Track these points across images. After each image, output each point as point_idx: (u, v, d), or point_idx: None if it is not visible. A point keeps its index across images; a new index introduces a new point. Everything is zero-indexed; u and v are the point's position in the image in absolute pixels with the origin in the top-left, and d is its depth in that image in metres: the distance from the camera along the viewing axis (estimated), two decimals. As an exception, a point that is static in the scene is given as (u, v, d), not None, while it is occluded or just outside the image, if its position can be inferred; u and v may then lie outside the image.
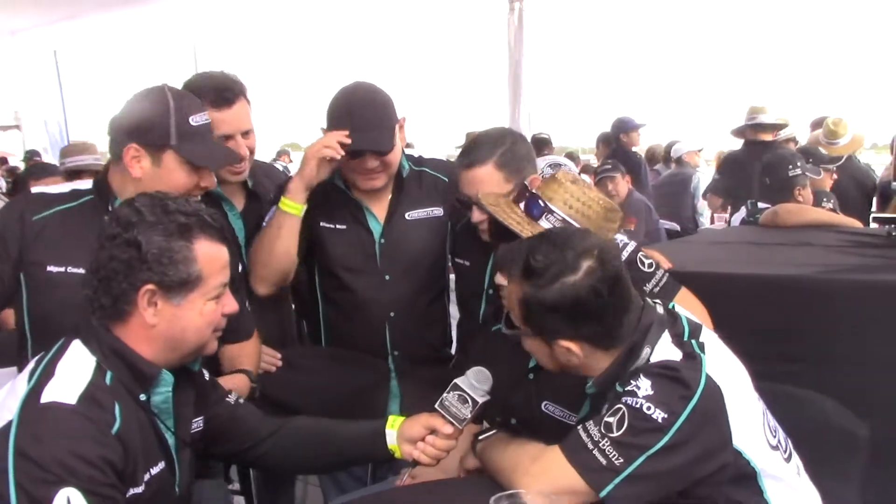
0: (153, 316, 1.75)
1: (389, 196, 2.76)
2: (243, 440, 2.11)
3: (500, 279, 2.18)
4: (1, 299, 2.30)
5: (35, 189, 2.49)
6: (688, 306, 2.33)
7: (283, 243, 2.62)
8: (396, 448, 2.06)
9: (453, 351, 2.98)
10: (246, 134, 2.66)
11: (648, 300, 1.95)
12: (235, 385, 2.35)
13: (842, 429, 2.22)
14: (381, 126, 2.59)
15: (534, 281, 1.80)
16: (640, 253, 2.42)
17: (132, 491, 1.72)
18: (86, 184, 2.37)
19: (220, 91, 2.57)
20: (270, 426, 2.14)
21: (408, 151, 2.87)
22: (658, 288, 2.37)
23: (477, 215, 2.49)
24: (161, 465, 1.82)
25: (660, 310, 1.92)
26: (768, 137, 6.09)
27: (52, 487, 1.56)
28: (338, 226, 2.74)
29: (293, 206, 2.60)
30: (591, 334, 1.83)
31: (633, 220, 6.11)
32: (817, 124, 6.07)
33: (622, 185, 6.38)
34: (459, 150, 2.78)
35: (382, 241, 2.74)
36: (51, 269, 2.21)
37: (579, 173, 5.61)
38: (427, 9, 9.00)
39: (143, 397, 1.78)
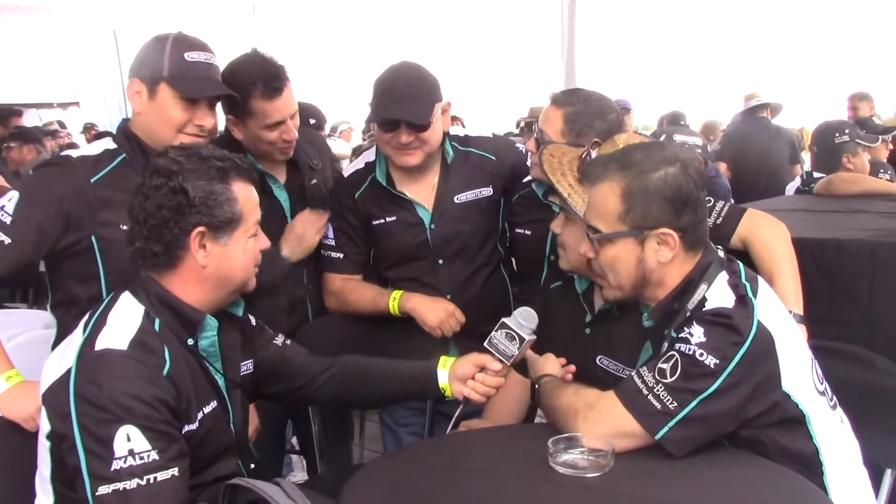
0: (204, 257, 1.83)
1: (436, 180, 2.77)
2: (295, 379, 2.19)
3: (556, 227, 2.24)
4: (15, 264, 2.17)
5: (68, 153, 2.41)
6: (759, 220, 2.39)
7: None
8: (447, 386, 2.13)
9: None
10: (293, 116, 2.70)
11: (710, 243, 1.98)
12: None
13: (892, 385, 2.25)
14: (417, 99, 2.58)
15: (637, 169, 1.86)
16: None
17: (187, 427, 1.81)
18: (105, 143, 2.38)
19: (268, 81, 2.58)
20: (322, 363, 2.21)
21: (454, 130, 2.85)
22: (721, 218, 2.39)
23: (532, 145, 2.57)
24: (213, 404, 1.90)
25: (720, 253, 1.97)
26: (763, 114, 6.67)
27: (112, 426, 1.66)
28: (388, 219, 2.76)
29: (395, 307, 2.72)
30: (689, 224, 1.87)
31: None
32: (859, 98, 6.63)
33: None
34: (520, 122, 2.79)
35: (433, 226, 2.75)
36: (124, 227, 2.16)
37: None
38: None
39: (190, 342, 1.86)
